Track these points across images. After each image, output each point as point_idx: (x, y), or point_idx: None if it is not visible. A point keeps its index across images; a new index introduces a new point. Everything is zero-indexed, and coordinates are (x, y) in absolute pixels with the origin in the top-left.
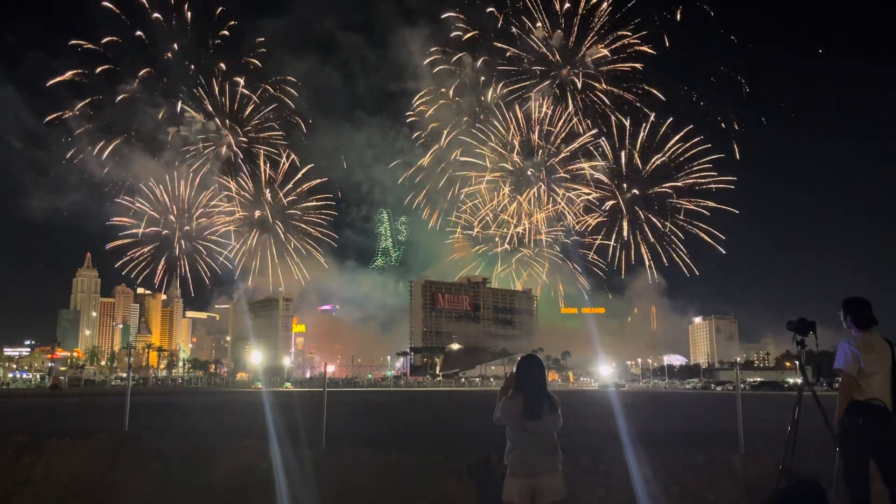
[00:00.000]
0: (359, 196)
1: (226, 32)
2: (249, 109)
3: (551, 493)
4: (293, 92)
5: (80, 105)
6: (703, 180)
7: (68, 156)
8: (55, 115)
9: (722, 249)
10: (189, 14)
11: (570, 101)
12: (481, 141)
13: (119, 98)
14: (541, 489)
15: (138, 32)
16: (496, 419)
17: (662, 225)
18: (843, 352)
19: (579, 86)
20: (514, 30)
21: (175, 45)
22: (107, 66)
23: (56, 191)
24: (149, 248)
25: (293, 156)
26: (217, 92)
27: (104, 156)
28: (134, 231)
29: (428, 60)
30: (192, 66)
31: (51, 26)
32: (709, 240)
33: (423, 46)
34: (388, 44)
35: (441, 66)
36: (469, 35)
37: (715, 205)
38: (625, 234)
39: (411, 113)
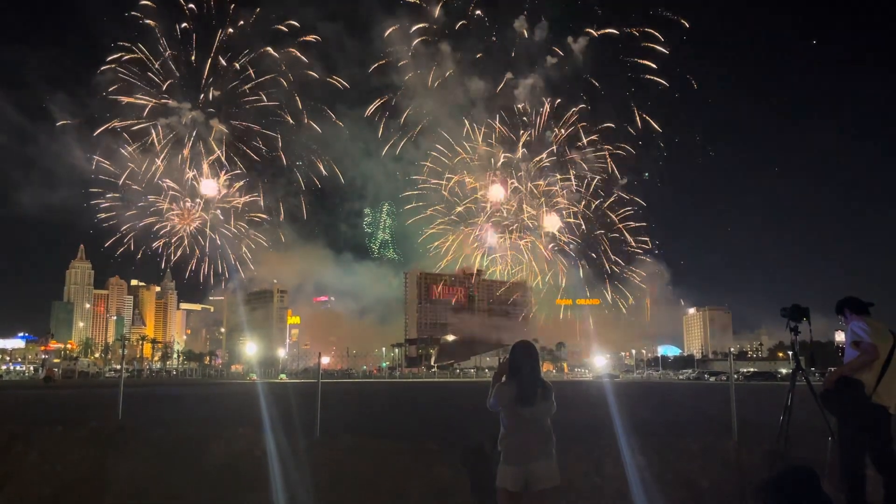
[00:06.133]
0: (351, 189)
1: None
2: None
3: (545, 479)
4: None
5: (61, 95)
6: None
7: (57, 149)
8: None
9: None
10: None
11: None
12: (466, 129)
13: (103, 89)
14: (535, 476)
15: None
16: (490, 405)
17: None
18: (859, 329)
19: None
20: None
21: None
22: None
23: (48, 184)
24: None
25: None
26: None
27: (93, 147)
28: (129, 224)
29: (410, 46)
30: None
31: (25, 17)
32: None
33: (406, 35)
34: (370, 34)
35: (423, 55)
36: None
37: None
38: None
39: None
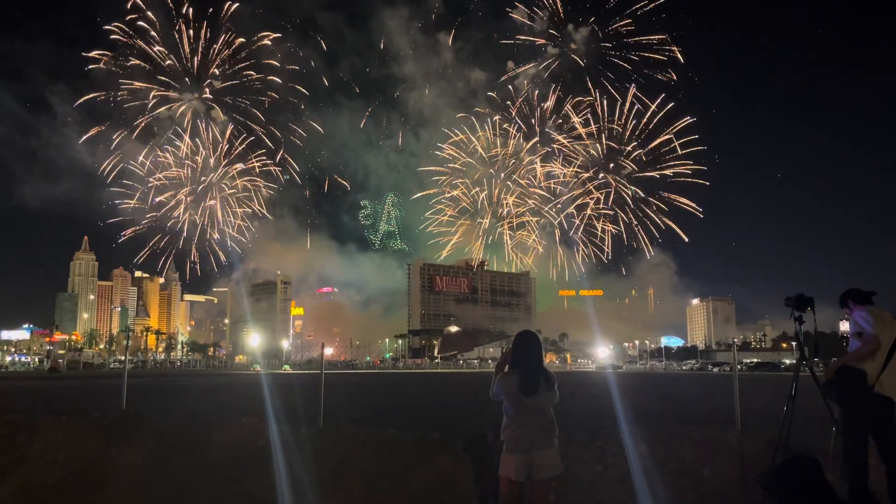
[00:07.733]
0: (354, 181)
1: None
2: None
3: (548, 468)
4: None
5: (62, 87)
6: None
7: (59, 141)
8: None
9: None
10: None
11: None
12: (470, 123)
13: (105, 92)
14: (537, 464)
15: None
16: (493, 394)
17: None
18: (861, 319)
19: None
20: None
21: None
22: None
23: (52, 176)
24: (146, 228)
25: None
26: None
27: (95, 139)
28: (135, 216)
29: (409, 40)
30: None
31: (26, 8)
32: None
33: (407, 27)
34: (370, 25)
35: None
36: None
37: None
38: (623, 217)
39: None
